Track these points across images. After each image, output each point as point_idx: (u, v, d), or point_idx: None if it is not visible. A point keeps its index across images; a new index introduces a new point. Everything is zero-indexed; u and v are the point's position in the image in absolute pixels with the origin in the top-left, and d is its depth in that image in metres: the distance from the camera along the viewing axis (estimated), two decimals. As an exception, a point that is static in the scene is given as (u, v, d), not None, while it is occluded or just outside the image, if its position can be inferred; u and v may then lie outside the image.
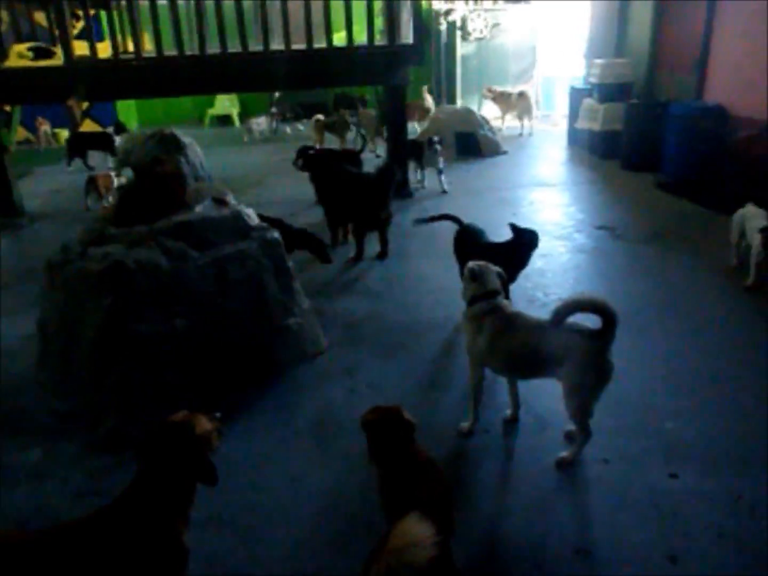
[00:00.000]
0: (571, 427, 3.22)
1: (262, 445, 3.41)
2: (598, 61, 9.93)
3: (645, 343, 4.29)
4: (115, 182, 7.93)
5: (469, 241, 4.57)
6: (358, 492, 2.98)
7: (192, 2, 6.83)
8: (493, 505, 2.95)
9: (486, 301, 3.22)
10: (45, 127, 12.39)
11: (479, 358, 3.27)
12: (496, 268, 3.37)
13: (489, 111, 12.23)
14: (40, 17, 8.43)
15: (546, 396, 3.54)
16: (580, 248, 6.17)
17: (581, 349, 2.94)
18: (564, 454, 3.16)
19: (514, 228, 4.44)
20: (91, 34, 6.76)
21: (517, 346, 3.14)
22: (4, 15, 7.70)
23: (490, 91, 12.15)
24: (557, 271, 5.65)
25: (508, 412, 3.53)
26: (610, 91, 9.53)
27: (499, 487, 3.07)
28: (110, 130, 9.82)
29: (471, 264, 3.34)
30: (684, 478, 3.02)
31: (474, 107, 11.65)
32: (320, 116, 10.74)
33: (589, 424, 3.07)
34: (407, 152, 7.96)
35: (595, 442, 3.14)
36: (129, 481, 2.08)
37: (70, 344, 3.75)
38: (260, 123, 12.58)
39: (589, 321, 2.99)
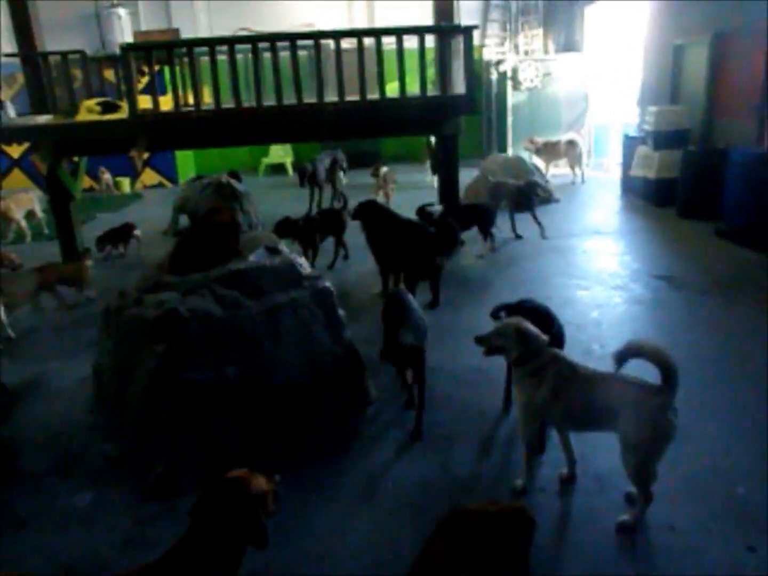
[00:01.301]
0: (631, 488, 3.05)
1: (309, 496, 3.34)
2: (653, 108, 9.82)
3: (709, 400, 4.08)
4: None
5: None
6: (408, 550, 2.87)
7: (250, 57, 7.08)
8: (550, 568, 2.79)
9: (542, 355, 3.12)
10: (107, 176, 12.96)
11: (538, 412, 3.15)
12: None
13: (539, 160, 12.18)
14: (109, 74, 8.90)
15: (606, 454, 3.38)
16: (637, 299, 5.98)
17: (640, 403, 2.83)
18: (625, 517, 2.98)
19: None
20: (154, 89, 7.07)
21: (578, 397, 3.04)
22: (78, 73, 8.14)
23: (532, 142, 12.08)
24: (613, 323, 5.48)
25: (564, 470, 3.38)
26: (665, 138, 9.39)
27: (554, 551, 2.90)
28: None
29: (517, 325, 3.16)
30: (764, 552, 2.78)
31: (525, 156, 11.63)
32: (384, 167, 10.70)
33: (650, 487, 2.90)
34: (467, 218, 7.32)
35: (660, 506, 2.95)
36: (179, 535, 2.04)
37: (123, 389, 3.80)
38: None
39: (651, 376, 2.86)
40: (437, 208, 7.00)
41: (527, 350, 3.13)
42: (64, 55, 7.66)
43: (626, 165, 10.58)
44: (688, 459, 3.42)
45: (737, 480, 3.26)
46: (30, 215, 9.49)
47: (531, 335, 3.15)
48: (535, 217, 8.12)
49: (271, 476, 2.19)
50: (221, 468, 2.21)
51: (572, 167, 11.79)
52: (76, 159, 8.60)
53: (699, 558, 2.78)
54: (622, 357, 2.88)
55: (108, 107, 7.57)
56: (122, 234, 8.05)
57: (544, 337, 3.18)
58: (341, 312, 4.25)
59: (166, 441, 3.56)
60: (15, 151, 13.09)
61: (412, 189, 11.16)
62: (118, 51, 7.58)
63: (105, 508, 3.37)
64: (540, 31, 14.90)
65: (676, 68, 10.34)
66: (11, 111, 10.48)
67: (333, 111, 6.92)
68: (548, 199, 10.21)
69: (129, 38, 12.81)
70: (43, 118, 7.53)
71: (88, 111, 7.53)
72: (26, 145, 11.59)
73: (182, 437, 3.56)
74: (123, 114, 7.37)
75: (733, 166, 7.82)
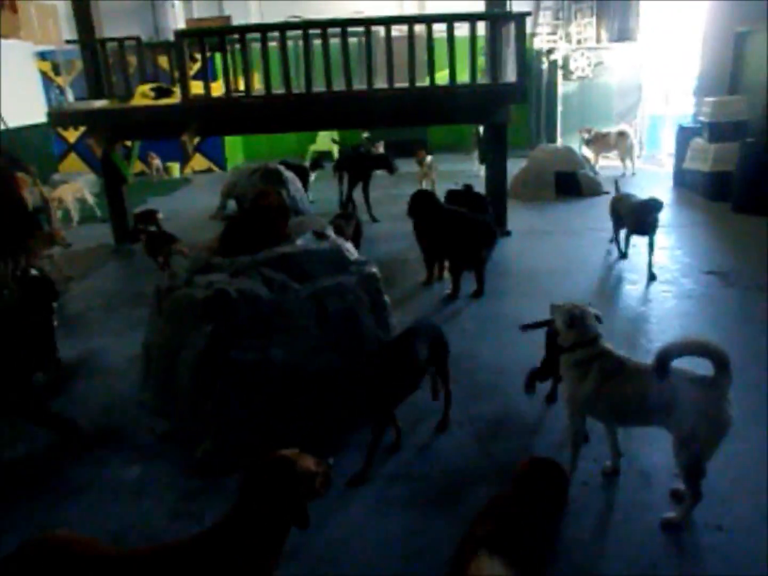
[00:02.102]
0: (678, 485, 2.99)
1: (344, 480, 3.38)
2: (710, 98, 9.52)
3: (760, 399, 3.96)
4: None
5: None
6: (445, 536, 2.88)
7: (300, 43, 7.12)
8: (592, 565, 2.76)
9: (591, 346, 3.06)
10: (156, 161, 13.23)
11: (583, 406, 3.11)
12: (594, 311, 3.19)
13: (588, 151, 11.93)
14: (162, 60, 9.07)
15: (652, 449, 3.33)
16: (687, 294, 5.83)
17: (694, 397, 2.75)
18: (671, 514, 2.93)
19: None
20: (206, 75, 7.18)
21: (626, 392, 2.97)
22: (132, 59, 8.33)
23: (587, 131, 11.84)
24: (662, 317, 5.36)
25: (608, 463, 3.33)
26: (722, 130, 9.09)
27: (598, 546, 2.87)
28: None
29: (569, 308, 3.14)
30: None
31: (575, 147, 11.41)
32: (429, 156, 10.54)
33: (700, 485, 2.84)
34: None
35: (708, 506, 2.89)
36: (224, 510, 2.09)
37: (171, 367, 3.89)
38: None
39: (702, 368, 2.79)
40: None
41: (576, 338, 3.08)
42: (120, 41, 7.84)
43: (679, 157, 10.28)
44: (739, 459, 3.33)
45: (790, 481, 3.17)
46: (80, 201, 9.73)
47: (579, 321, 3.08)
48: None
49: (323, 459, 2.20)
50: (264, 448, 2.25)
51: (622, 159, 11.51)
52: (128, 143, 8.82)
53: (746, 559, 2.71)
54: (663, 360, 2.77)
55: (161, 92, 7.72)
56: (144, 219, 8.11)
57: (597, 330, 3.12)
58: (386, 298, 4.26)
59: (212, 419, 3.64)
60: (71, 135, 13.46)
61: (459, 178, 11.08)
62: (171, 38, 7.73)
63: (153, 481, 3.47)
64: (593, 20, 14.52)
65: (737, 57, 9.98)
66: (70, 96, 10.80)
67: (384, 97, 6.91)
68: (598, 191, 10.02)
69: (182, 25, 13.00)
70: (99, 103, 7.73)
71: (142, 96, 7.70)
72: (81, 129, 11.93)
73: (228, 416, 3.63)
74: (175, 99, 7.52)
75: (793, 160, 7.54)
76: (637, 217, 6.31)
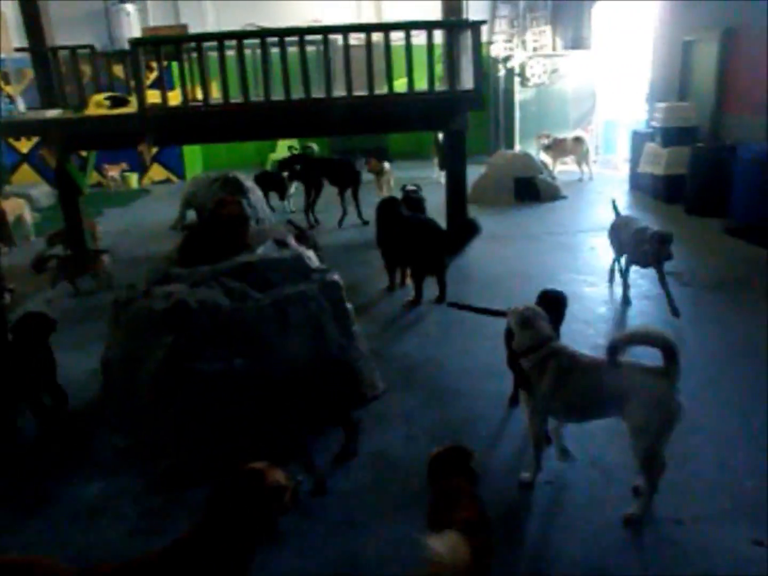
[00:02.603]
0: (639, 481, 3.06)
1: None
2: (661, 104, 9.78)
3: (715, 395, 4.08)
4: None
5: None
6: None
7: (258, 52, 7.08)
8: (555, 561, 2.80)
9: (544, 347, 3.13)
10: (111, 173, 12.99)
11: (543, 404, 3.16)
12: (542, 313, 3.27)
13: (546, 157, 12.13)
14: (117, 69, 8.92)
15: (614, 449, 3.39)
16: (645, 294, 5.97)
17: (645, 387, 2.85)
18: (632, 510, 2.99)
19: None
20: (162, 84, 7.09)
21: (582, 387, 3.05)
22: (86, 68, 8.17)
23: (546, 137, 12.07)
24: (620, 318, 5.48)
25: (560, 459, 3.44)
26: (673, 135, 9.34)
27: (561, 543, 2.91)
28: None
29: (521, 310, 3.23)
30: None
31: (533, 152, 11.60)
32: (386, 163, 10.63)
33: (658, 476, 2.92)
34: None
35: (668, 500, 2.96)
36: (192, 524, 2.06)
37: (131, 380, 3.82)
38: None
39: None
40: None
41: (530, 341, 3.15)
42: (73, 50, 7.69)
43: (634, 162, 10.54)
44: (696, 453, 3.43)
45: (745, 474, 3.26)
46: (19, 221, 9.21)
47: (531, 322, 3.17)
48: (662, 278, 5.45)
49: (292, 474, 2.18)
50: (227, 461, 2.21)
51: (579, 164, 11.74)
52: (84, 154, 8.65)
53: (706, 551, 2.78)
54: (615, 349, 2.88)
55: (117, 102, 7.59)
56: (55, 240, 7.82)
57: (548, 330, 3.19)
58: (349, 306, 4.26)
59: (174, 432, 3.58)
60: (24, 146, 13.13)
61: (419, 185, 11.14)
62: (126, 46, 7.62)
63: (113, 498, 3.40)
64: (548, 28, 14.82)
65: (685, 64, 10.29)
66: (21, 105, 10.53)
67: (343, 105, 6.92)
68: (556, 196, 10.20)
69: (137, 34, 12.84)
70: (52, 113, 7.56)
71: (97, 105, 7.56)
72: (35, 140, 11.64)
73: (190, 429, 3.58)
74: (131, 109, 7.40)
75: (741, 163, 7.79)
76: (644, 249, 5.40)
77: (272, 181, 9.87)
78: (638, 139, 10.42)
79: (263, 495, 2.04)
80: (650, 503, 2.97)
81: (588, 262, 6.99)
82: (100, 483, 3.51)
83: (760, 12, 8.24)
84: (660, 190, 9.60)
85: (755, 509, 3.00)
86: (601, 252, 7.36)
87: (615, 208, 6.27)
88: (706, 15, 9.56)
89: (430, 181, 11.03)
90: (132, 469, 3.60)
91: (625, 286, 5.83)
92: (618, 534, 2.92)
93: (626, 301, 5.78)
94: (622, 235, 5.81)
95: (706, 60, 9.67)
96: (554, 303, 3.73)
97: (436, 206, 7.95)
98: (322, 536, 3.01)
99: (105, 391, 4.14)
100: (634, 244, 5.55)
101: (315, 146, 12.09)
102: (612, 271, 6.29)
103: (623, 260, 5.93)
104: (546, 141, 12.00)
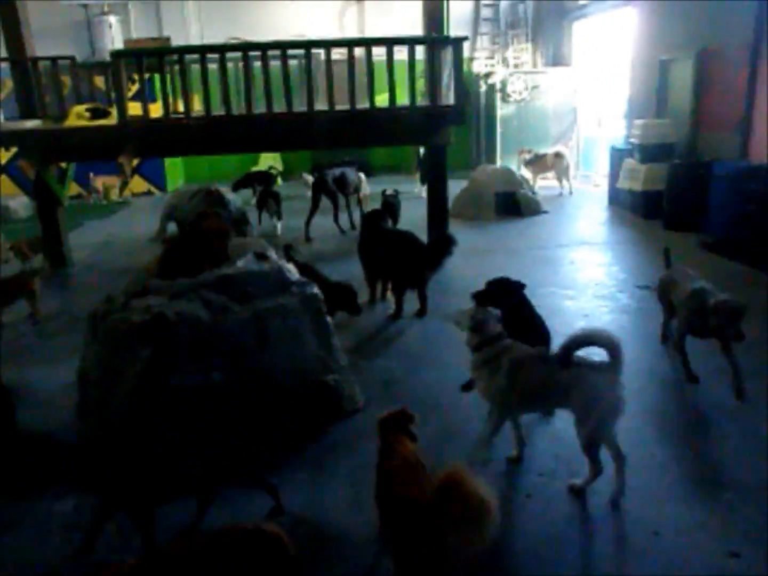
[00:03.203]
0: (575, 481, 3.28)
1: (297, 503, 3.32)
2: (639, 121, 9.95)
3: (697, 404, 4.11)
4: None
5: None
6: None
7: (240, 65, 7.10)
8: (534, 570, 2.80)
9: (493, 345, 3.38)
10: (99, 182, 12.89)
11: (501, 397, 3.37)
12: (495, 311, 3.53)
13: (527, 172, 12.25)
14: (99, 81, 8.89)
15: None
16: (623, 308, 6.03)
17: (590, 381, 3.10)
18: (576, 481, 3.25)
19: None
20: (144, 96, 7.08)
21: (534, 380, 3.29)
22: (67, 79, 8.14)
23: (527, 152, 12.21)
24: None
25: (514, 452, 3.59)
26: (651, 152, 9.50)
27: (540, 556, 2.91)
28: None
29: (472, 312, 3.51)
30: (746, 558, 2.80)
31: (514, 167, 11.72)
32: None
33: (599, 457, 3.15)
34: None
35: (645, 511, 2.99)
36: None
37: (108, 395, 3.77)
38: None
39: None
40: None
41: (481, 338, 3.41)
42: (53, 60, 7.66)
43: (613, 177, 10.69)
44: (674, 466, 3.45)
45: (723, 487, 3.29)
46: None
47: (483, 323, 3.42)
48: (728, 351, 4.19)
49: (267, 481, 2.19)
50: (206, 474, 2.17)
51: (559, 179, 11.89)
52: (63, 165, 8.58)
53: (683, 563, 2.80)
54: (567, 350, 3.12)
55: (97, 113, 7.57)
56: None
57: (499, 328, 3.44)
58: (329, 319, 4.25)
59: (151, 446, 3.53)
60: (2, 156, 13.01)
61: (401, 199, 11.19)
62: (108, 58, 7.60)
63: (87, 514, 3.33)
64: (529, 45, 15.07)
65: (662, 83, 10.49)
66: (-1, 116, 10.41)
67: (325, 119, 6.95)
68: (536, 210, 10.30)
69: (119, 45, 12.79)
70: (31, 123, 7.51)
71: (77, 116, 7.52)
72: (13, 150, 11.53)
73: (167, 443, 3.53)
74: (112, 120, 7.37)
75: (717, 180, 7.92)
76: (704, 320, 4.17)
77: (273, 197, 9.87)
78: (617, 156, 10.58)
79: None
80: (592, 482, 3.19)
81: (568, 276, 7.05)
82: (74, 499, 3.44)
83: (733, 33, 8.46)
84: (638, 206, 9.73)
85: (733, 522, 3.02)
86: (580, 266, 7.44)
87: (667, 257, 5.13)
88: (681, 35, 9.77)
89: (412, 195, 11.08)
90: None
91: (685, 362, 4.45)
92: (597, 545, 2.93)
93: (691, 377, 4.39)
94: (674, 294, 4.68)
95: (682, 79, 9.86)
96: (504, 290, 4.10)
97: (416, 220, 7.99)
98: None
99: (80, 405, 4.08)
100: (690, 311, 4.32)
101: (279, 167, 12.21)
102: (665, 335, 5.11)
103: (674, 325, 4.75)
104: (527, 156, 12.14)
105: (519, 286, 4.31)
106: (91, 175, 12.73)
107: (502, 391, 3.32)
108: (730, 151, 8.48)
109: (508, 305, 3.93)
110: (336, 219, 9.41)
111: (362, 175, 10.43)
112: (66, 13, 13.53)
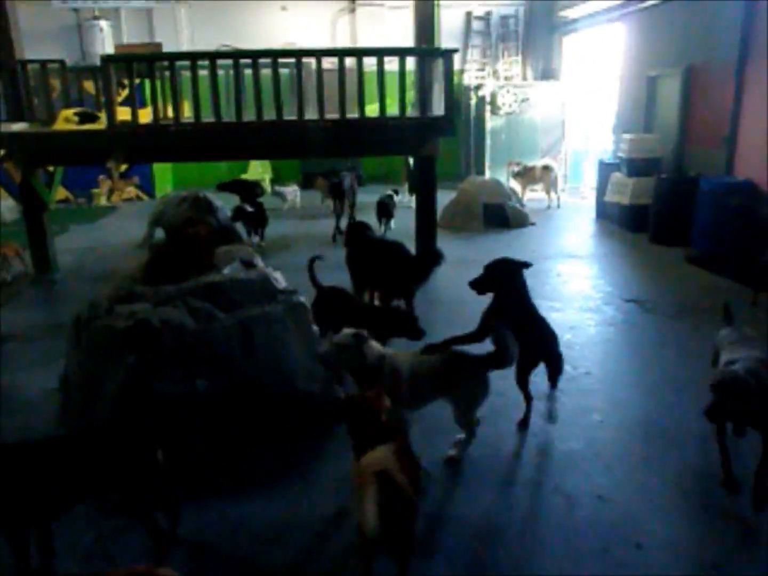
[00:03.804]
0: (452, 452, 3.68)
1: (280, 513, 3.30)
2: (627, 136, 10.04)
3: (673, 421, 4.14)
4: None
5: None
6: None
7: (231, 72, 7.10)
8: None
9: (385, 365, 3.54)
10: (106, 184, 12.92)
11: (406, 402, 3.62)
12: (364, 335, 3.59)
13: (515, 184, 12.32)
14: (88, 85, 8.86)
15: (577, 473, 3.40)
16: (609, 321, 6.06)
17: (473, 371, 3.58)
18: (452, 452, 3.65)
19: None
20: (134, 101, 7.05)
21: (427, 380, 3.59)
22: (56, 83, 8.10)
23: (516, 164, 12.29)
24: (586, 344, 5.53)
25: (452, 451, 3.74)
26: (638, 166, 9.59)
27: (528, 569, 2.90)
28: None
29: (339, 339, 3.55)
30: (727, 569, 2.83)
31: (502, 179, 11.78)
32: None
33: (474, 429, 3.68)
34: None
35: (628, 525, 2.98)
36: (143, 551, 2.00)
37: (91, 401, 3.73)
38: (295, 190, 12.62)
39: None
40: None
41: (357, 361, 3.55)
42: (43, 63, 7.62)
43: (601, 191, 10.76)
44: (657, 478, 3.46)
45: (706, 500, 3.30)
46: None
47: (365, 350, 3.53)
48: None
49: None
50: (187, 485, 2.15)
51: (547, 192, 11.95)
52: (51, 169, 8.53)
53: (623, 525, 2.94)
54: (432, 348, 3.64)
55: (86, 118, 7.53)
56: None
57: (379, 348, 3.61)
58: (315, 328, 4.24)
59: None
60: (-12, 159, 12.89)
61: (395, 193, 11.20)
62: (98, 62, 7.57)
63: (67, 523, 3.27)
64: (519, 59, 15.20)
65: (649, 98, 10.60)
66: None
67: (320, 127, 6.95)
68: (524, 222, 10.34)
69: (110, 50, 12.77)
70: (18, 126, 7.46)
71: (66, 121, 7.48)
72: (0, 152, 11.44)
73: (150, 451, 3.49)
74: (101, 125, 7.33)
75: (702, 195, 8.01)
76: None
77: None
78: (605, 169, 10.66)
79: None
80: (467, 448, 3.66)
81: (555, 288, 7.08)
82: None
83: (719, 50, 8.58)
84: (625, 219, 9.80)
85: (714, 535, 3.03)
86: (567, 278, 7.47)
87: (728, 312, 4.06)
88: (668, 52, 9.89)
89: (401, 206, 11.08)
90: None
91: (726, 461, 3.37)
92: (583, 556, 2.93)
93: (732, 485, 3.33)
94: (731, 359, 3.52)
95: (669, 95, 9.98)
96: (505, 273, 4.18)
97: (406, 230, 8.00)
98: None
99: (63, 412, 4.04)
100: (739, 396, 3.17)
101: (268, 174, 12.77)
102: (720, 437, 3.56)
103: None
104: (516, 168, 12.21)
105: (520, 266, 4.13)
106: (101, 177, 12.71)
107: (405, 397, 3.56)
108: (716, 166, 8.58)
109: (511, 291, 4.00)
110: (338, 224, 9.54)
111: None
112: (57, 16, 13.48)
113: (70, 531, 3.19)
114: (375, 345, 3.60)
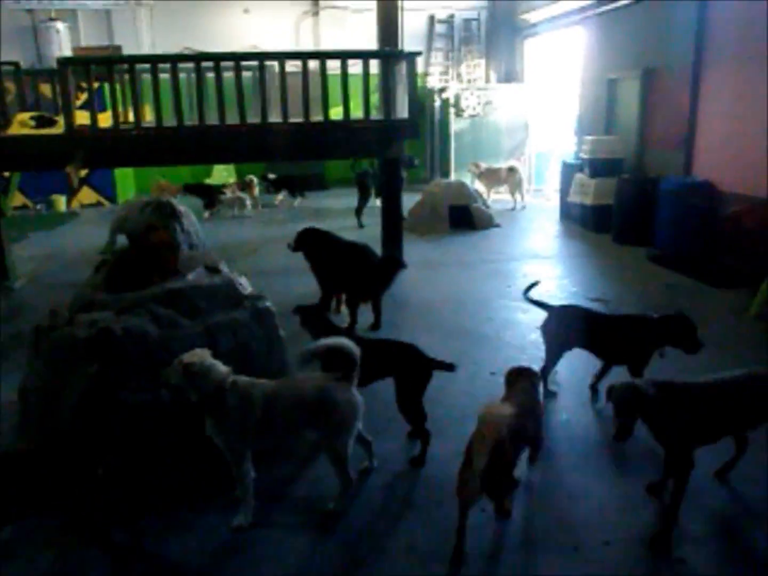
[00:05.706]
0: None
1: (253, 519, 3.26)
2: (589, 137, 10.21)
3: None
4: None
5: None
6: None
7: (193, 75, 7.00)
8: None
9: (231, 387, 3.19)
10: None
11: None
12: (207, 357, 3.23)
13: (480, 185, 12.42)
14: (45, 88, 8.65)
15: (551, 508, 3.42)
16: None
17: (332, 393, 3.27)
18: (332, 505, 3.31)
19: None
20: (93, 105, 6.90)
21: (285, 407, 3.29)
22: (11, 86, 7.88)
23: (476, 166, 12.39)
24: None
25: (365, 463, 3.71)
26: (601, 167, 9.74)
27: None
28: None
29: (189, 361, 3.14)
30: (692, 563, 2.87)
31: (467, 181, 11.86)
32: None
33: (348, 471, 3.35)
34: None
35: (597, 524, 3.00)
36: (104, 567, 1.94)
37: (51, 412, 3.62)
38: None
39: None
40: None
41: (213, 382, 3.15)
42: (-4, 66, 7.41)
43: (564, 192, 10.91)
44: (625, 480, 3.49)
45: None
46: None
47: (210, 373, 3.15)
48: None
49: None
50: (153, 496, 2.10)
51: (512, 193, 12.07)
52: (6, 175, 8.30)
53: (633, 570, 2.86)
54: (306, 359, 3.36)
55: (42, 122, 7.33)
56: None
57: (224, 368, 3.21)
58: (282, 333, 4.19)
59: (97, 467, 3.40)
60: (-58, 165, 12.50)
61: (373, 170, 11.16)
62: (55, 65, 7.39)
63: (26, 540, 3.19)
64: (482, 62, 15.35)
65: (610, 101, 10.79)
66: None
67: (279, 132, 6.90)
68: (489, 224, 10.42)
69: (68, 53, 12.50)
70: (-29, 131, 7.24)
71: (21, 125, 7.27)
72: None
73: (114, 462, 3.41)
74: (59, 129, 7.16)
75: (663, 195, 8.18)
76: None
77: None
78: (568, 170, 10.81)
79: None
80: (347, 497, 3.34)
81: (521, 289, 7.11)
82: (10, 526, 3.28)
83: (676, 54, 8.78)
84: (588, 220, 9.95)
85: (679, 529, 3.07)
86: (532, 279, 7.48)
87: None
88: (627, 55, 10.09)
89: (367, 208, 11.08)
90: (48, 509, 3.39)
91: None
92: (551, 558, 2.94)
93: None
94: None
95: (629, 97, 10.17)
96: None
97: (372, 233, 7.99)
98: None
99: (21, 424, 3.92)
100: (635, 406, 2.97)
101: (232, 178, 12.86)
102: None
103: None
104: (476, 170, 12.31)
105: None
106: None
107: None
108: (675, 167, 8.77)
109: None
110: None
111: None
112: (10, 17, 13.13)
113: (28, 550, 3.10)
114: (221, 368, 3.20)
